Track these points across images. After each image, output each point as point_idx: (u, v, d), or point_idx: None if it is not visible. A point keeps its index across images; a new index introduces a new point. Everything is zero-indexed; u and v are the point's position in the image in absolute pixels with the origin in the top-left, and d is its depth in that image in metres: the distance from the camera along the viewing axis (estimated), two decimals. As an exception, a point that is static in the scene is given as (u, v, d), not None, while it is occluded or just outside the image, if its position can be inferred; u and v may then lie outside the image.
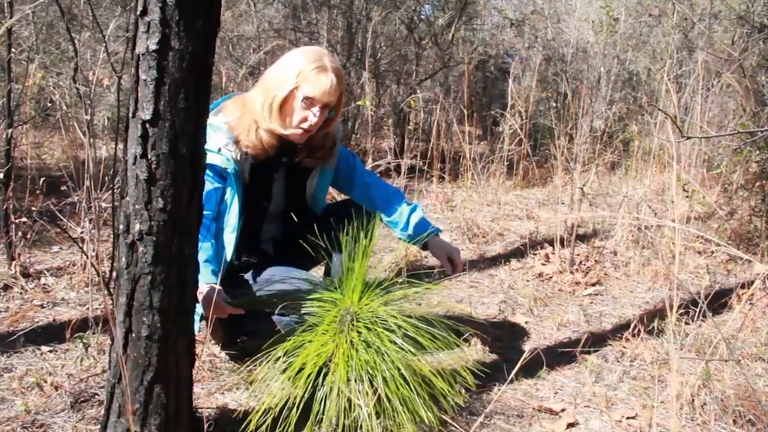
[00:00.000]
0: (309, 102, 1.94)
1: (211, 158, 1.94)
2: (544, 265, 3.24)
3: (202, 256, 1.87)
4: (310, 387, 1.59)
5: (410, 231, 2.23)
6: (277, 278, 2.00)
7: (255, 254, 2.17)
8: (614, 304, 2.82)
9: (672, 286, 3.00)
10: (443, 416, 1.71)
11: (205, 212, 1.95)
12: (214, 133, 1.97)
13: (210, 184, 1.95)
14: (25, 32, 4.82)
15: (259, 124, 1.98)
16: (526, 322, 2.59)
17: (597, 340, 2.39)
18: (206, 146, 1.93)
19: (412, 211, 2.23)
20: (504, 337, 2.41)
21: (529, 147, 4.90)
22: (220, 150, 1.95)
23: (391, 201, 2.24)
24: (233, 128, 1.98)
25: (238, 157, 1.98)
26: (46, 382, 1.83)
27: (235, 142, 1.97)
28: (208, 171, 1.94)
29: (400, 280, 2.13)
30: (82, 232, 2.56)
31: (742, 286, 2.83)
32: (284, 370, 1.63)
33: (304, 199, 2.22)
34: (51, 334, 2.17)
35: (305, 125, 1.96)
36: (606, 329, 2.50)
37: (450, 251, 2.23)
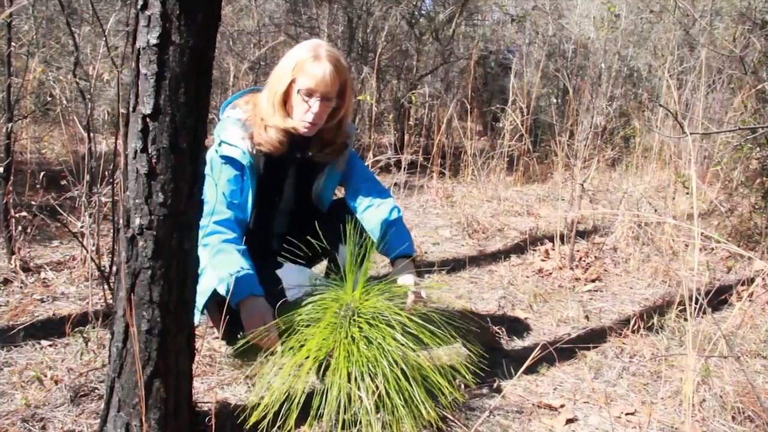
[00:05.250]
0: (306, 93, 1.95)
1: (228, 150, 1.96)
2: (543, 261, 3.24)
3: (240, 262, 1.86)
4: (310, 382, 1.59)
5: (384, 246, 2.12)
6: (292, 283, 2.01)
7: (263, 249, 2.18)
8: (614, 301, 2.83)
9: (671, 282, 3.00)
10: (443, 412, 1.71)
11: (233, 201, 1.97)
12: (232, 126, 1.99)
13: (231, 171, 1.98)
14: (25, 26, 4.81)
15: (266, 121, 2.00)
16: (525, 318, 2.59)
17: (596, 337, 2.39)
18: (224, 138, 1.97)
19: (390, 225, 2.14)
20: (503, 333, 2.41)
21: (529, 143, 4.89)
22: (236, 143, 1.96)
23: (371, 216, 2.16)
24: (247, 124, 2.00)
25: (254, 152, 2.00)
26: (46, 376, 1.83)
27: (250, 138, 1.99)
28: (228, 163, 1.97)
29: (387, 279, 2.14)
30: (82, 227, 2.56)
31: (742, 283, 2.84)
32: (285, 365, 1.63)
33: (311, 198, 2.23)
34: (51, 329, 2.17)
35: (308, 117, 1.97)
36: (605, 325, 2.50)
37: (407, 281, 2.03)
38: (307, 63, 1.93)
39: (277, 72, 2.00)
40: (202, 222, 1.90)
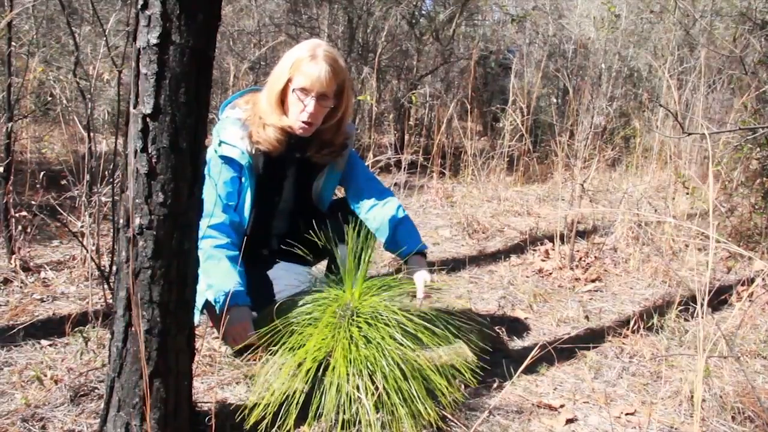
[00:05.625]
0: (302, 92, 1.95)
1: (227, 150, 1.96)
2: (543, 261, 3.24)
3: (231, 273, 1.88)
4: (309, 382, 1.59)
5: (394, 244, 2.17)
6: (283, 284, 2.03)
7: (262, 249, 2.19)
8: (614, 301, 2.83)
9: (671, 282, 3.00)
10: (443, 411, 1.71)
11: (229, 203, 1.97)
12: (231, 126, 2.00)
13: (229, 173, 1.97)
14: (26, 26, 4.81)
15: (265, 119, 2.00)
16: (525, 318, 2.59)
17: (596, 337, 2.39)
18: (223, 138, 1.97)
19: (398, 223, 2.18)
20: (503, 333, 2.41)
21: (529, 143, 4.90)
22: (235, 143, 1.96)
23: (378, 214, 2.18)
24: (246, 123, 2.00)
25: (253, 151, 2.00)
26: (45, 375, 1.83)
27: (249, 137, 1.99)
28: (227, 163, 1.97)
29: (400, 276, 2.14)
30: (82, 227, 2.56)
31: (742, 284, 2.84)
32: (284, 365, 1.63)
33: (311, 197, 2.23)
34: (51, 328, 2.17)
35: (303, 117, 1.97)
36: (605, 325, 2.50)
37: (425, 277, 2.09)
38: (304, 62, 1.93)
39: (276, 71, 2.01)
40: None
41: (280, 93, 1.98)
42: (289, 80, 1.96)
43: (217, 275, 1.85)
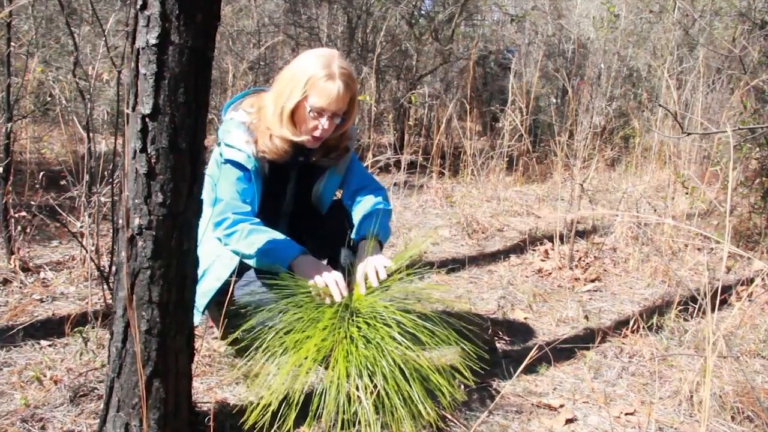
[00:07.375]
0: (318, 111, 1.92)
1: (233, 154, 1.94)
2: (543, 261, 3.24)
3: (275, 233, 1.90)
4: (309, 382, 1.59)
5: (356, 235, 2.09)
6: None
7: None
8: (613, 301, 2.83)
9: (671, 282, 3.00)
10: (442, 412, 1.72)
11: (246, 200, 1.96)
12: (236, 130, 1.97)
13: (238, 171, 1.96)
14: (25, 26, 4.81)
15: (272, 131, 1.97)
16: (525, 318, 2.59)
17: (596, 336, 2.39)
18: (228, 142, 1.95)
19: (368, 215, 2.10)
20: (503, 333, 2.41)
21: (529, 143, 4.90)
22: (241, 146, 1.95)
23: (356, 211, 2.14)
24: (252, 128, 1.98)
25: (258, 155, 1.98)
26: (45, 376, 1.83)
27: (255, 142, 1.97)
28: (234, 166, 1.95)
29: (400, 276, 2.14)
30: (81, 227, 2.56)
31: (742, 283, 2.84)
32: (284, 365, 1.63)
33: (311, 200, 2.23)
34: (50, 329, 2.17)
35: (317, 133, 1.95)
36: (605, 325, 2.50)
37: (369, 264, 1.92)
38: (321, 81, 1.89)
39: (287, 83, 1.95)
40: (225, 215, 1.90)
41: (291, 110, 1.94)
42: (303, 98, 1.92)
43: (267, 237, 1.88)
